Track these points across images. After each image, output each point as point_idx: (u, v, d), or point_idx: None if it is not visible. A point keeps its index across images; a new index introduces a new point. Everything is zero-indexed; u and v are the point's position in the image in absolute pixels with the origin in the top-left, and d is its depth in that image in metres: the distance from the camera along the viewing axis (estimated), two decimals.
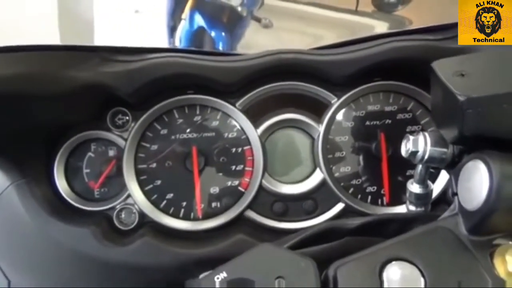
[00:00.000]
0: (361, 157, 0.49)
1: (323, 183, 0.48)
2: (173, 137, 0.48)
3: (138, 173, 0.47)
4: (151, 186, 0.47)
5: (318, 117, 0.48)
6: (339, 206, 0.48)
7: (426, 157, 0.32)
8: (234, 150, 0.48)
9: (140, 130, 0.47)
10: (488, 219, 0.26)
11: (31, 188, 0.44)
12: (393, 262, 0.26)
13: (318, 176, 0.48)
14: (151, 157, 0.47)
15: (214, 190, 0.48)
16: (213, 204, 0.48)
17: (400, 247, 0.27)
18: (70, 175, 0.47)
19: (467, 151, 0.31)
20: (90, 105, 0.44)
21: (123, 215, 0.46)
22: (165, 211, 0.47)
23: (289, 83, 0.48)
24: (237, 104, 0.47)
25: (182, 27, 2.12)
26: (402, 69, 0.45)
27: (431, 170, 0.36)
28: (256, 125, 0.47)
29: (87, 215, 0.46)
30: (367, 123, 0.48)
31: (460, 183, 0.29)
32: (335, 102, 0.47)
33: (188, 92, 0.47)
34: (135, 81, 0.42)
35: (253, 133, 0.47)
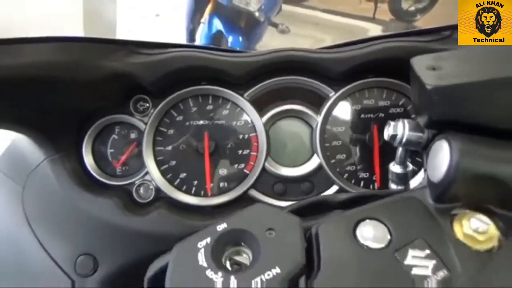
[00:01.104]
0: (355, 146, 0.55)
1: (319, 168, 0.54)
2: (187, 123, 0.54)
3: (155, 154, 0.54)
4: (166, 166, 0.54)
5: (317, 109, 0.54)
6: (334, 188, 0.54)
7: (404, 140, 0.38)
8: (241, 136, 0.54)
9: (159, 116, 0.53)
10: (449, 190, 0.31)
11: (63, 163, 0.51)
12: (366, 221, 0.32)
13: (315, 161, 0.54)
14: (167, 141, 0.54)
15: (223, 171, 0.54)
16: (221, 184, 0.54)
17: (374, 210, 0.33)
18: (96, 153, 0.54)
19: (438, 134, 0.36)
20: (116, 91, 0.51)
21: (141, 190, 0.53)
22: (178, 188, 0.53)
23: (292, 78, 0.54)
24: (245, 95, 0.54)
25: (201, 31, 2.20)
26: (394, 68, 0.51)
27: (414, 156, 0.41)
28: (261, 114, 0.54)
29: (110, 189, 0.52)
30: (362, 115, 0.54)
31: (428, 160, 0.35)
32: (333, 95, 0.54)
33: (202, 83, 0.53)
34: (156, 71, 0.49)
35: (259, 122, 0.54)
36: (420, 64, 0.35)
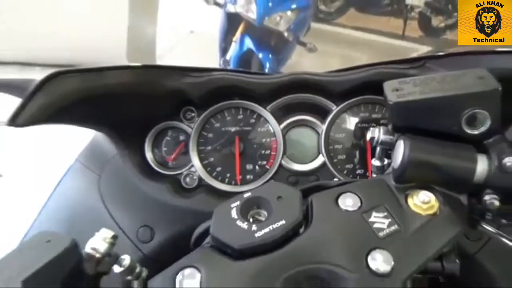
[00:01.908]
0: (353, 149, 0.71)
1: (324, 165, 0.70)
2: (223, 129, 0.72)
3: (199, 152, 0.71)
4: (206, 161, 0.71)
5: (323, 119, 0.70)
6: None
7: (379, 141, 0.54)
8: (264, 140, 0.71)
9: (202, 123, 0.71)
10: (403, 174, 0.47)
11: (130, 157, 0.69)
12: (346, 193, 0.47)
13: (320, 160, 0.70)
14: (208, 142, 0.72)
15: (249, 166, 0.71)
16: (247, 176, 0.71)
17: (351, 186, 0.49)
18: (154, 150, 0.72)
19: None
20: (171, 103, 0.69)
21: (187, 179, 0.71)
22: (215, 178, 0.71)
23: (304, 95, 0.70)
24: (267, 108, 0.71)
25: (233, 49, 2.37)
26: (382, 88, 0.67)
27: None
28: (279, 122, 0.70)
29: (164, 177, 0.70)
30: (358, 125, 0.70)
31: (393, 154, 0.50)
32: (335, 109, 0.70)
33: (234, 98, 0.71)
34: (201, 89, 0.67)
35: (277, 128, 0.71)
36: (388, 86, 0.50)
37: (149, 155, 0.71)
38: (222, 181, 0.71)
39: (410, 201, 0.43)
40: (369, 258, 0.38)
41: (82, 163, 0.74)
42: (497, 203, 0.43)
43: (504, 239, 0.48)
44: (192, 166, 0.70)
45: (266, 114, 0.71)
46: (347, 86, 0.67)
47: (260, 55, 2.29)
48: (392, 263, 0.37)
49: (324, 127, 0.70)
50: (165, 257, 0.46)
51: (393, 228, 0.40)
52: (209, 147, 0.71)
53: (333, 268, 0.37)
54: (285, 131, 0.71)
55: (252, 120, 0.72)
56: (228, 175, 0.71)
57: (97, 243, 0.37)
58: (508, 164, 0.42)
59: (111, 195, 0.70)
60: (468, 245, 0.63)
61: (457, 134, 0.44)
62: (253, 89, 0.68)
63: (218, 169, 0.71)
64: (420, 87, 0.50)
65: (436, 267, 0.46)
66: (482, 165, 0.43)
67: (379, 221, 0.41)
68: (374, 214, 0.42)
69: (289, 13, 2.22)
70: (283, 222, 0.40)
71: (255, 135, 0.71)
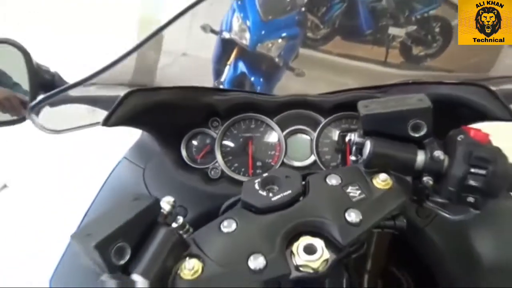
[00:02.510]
0: (336, 152, 0.96)
1: (314, 162, 0.94)
2: (240, 135, 0.96)
3: (221, 152, 0.95)
4: (227, 159, 0.95)
5: (315, 129, 0.95)
6: None
7: (354, 142, 0.77)
8: (270, 143, 0.96)
9: (224, 130, 0.95)
10: (369, 162, 0.68)
11: (169, 154, 0.93)
12: (331, 175, 0.70)
13: (312, 159, 0.94)
14: (228, 145, 0.96)
15: (259, 163, 0.95)
16: (257, 170, 0.95)
17: (335, 170, 0.70)
18: (188, 150, 0.96)
19: None
20: (202, 115, 0.94)
21: (212, 172, 0.94)
22: (233, 171, 0.94)
23: (301, 110, 0.95)
24: (274, 119, 0.95)
25: (227, 72, 2.59)
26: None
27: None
28: (282, 130, 0.95)
29: (195, 170, 0.94)
30: (341, 134, 0.95)
31: (363, 150, 0.73)
32: (323, 121, 0.94)
33: (249, 112, 0.95)
34: (225, 104, 0.92)
35: (281, 135, 0.95)
36: (361, 104, 0.72)
37: (183, 153, 0.95)
38: (238, 173, 0.95)
39: (374, 180, 0.64)
40: (346, 214, 0.60)
41: (129, 160, 0.98)
42: (431, 182, 0.66)
43: (442, 213, 0.74)
44: (216, 162, 0.95)
45: (273, 124, 0.95)
46: (332, 105, 0.93)
47: (252, 78, 2.47)
48: (361, 217, 0.61)
49: (315, 134, 0.95)
50: (196, 229, 0.62)
51: (362, 196, 0.62)
52: (229, 149, 0.96)
53: (322, 220, 0.61)
54: (286, 137, 0.96)
55: (262, 128, 0.96)
56: (243, 169, 0.95)
57: (164, 204, 0.58)
58: (436, 155, 0.66)
59: (154, 183, 0.93)
60: (418, 221, 0.84)
61: (406, 136, 0.65)
62: (263, 105, 0.93)
63: (236, 165, 0.95)
64: (382, 104, 0.75)
65: (390, 223, 0.70)
66: (420, 157, 0.66)
67: (353, 192, 0.63)
68: (350, 187, 0.63)
69: (280, 40, 2.43)
70: (289, 192, 0.61)
71: (264, 139, 0.96)
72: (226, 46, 2.42)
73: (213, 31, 2.22)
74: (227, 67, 2.48)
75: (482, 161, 0.61)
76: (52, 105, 0.78)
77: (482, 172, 0.61)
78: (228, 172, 0.93)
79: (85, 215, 0.90)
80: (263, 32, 2.39)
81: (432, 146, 0.64)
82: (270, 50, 2.44)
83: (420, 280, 0.95)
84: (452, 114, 0.74)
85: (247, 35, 2.40)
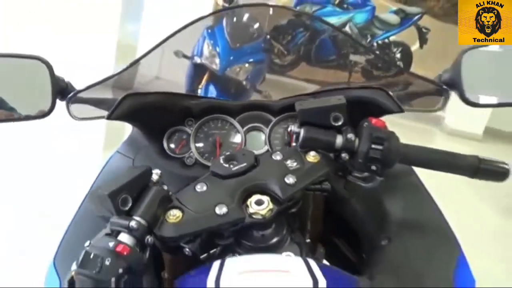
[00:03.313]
0: (283, 142, 1.24)
1: (268, 151, 1.24)
2: (209, 131, 1.23)
3: (195, 145, 1.23)
4: (199, 150, 1.23)
5: (267, 126, 1.23)
6: None
7: (294, 131, 1.02)
8: (233, 137, 1.23)
9: (197, 128, 1.21)
10: (303, 144, 0.98)
11: (154, 146, 1.20)
12: (276, 152, 0.98)
13: (265, 149, 1.21)
14: (200, 139, 1.23)
15: (226, 153, 1.24)
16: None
17: (279, 149, 1.03)
18: (169, 143, 1.23)
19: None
20: (180, 115, 1.23)
21: (188, 160, 1.20)
22: (204, 159, 1.20)
23: (257, 112, 1.23)
24: (236, 119, 1.23)
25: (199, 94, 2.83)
26: None
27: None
28: (243, 127, 1.22)
29: (175, 159, 1.21)
30: (287, 129, 1.25)
31: (299, 136, 1.04)
32: (273, 120, 1.24)
33: (216, 113, 1.24)
34: (198, 107, 1.22)
35: (241, 131, 1.22)
36: (297, 104, 1.01)
37: (165, 145, 1.21)
38: (208, 160, 1.22)
39: (306, 156, 0.88)
40: (285, 178, 0.84)
41: (120, 153, 1.26)
42: (347, 157, 0.89)
43: (359, 182, 1.05)
44: (191, 152, 1.20)
45: (235, 122, 1.23)
46: (280, 107, 1.22)
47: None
48: (295, 180, 0.85)
49: (267, 130, 1.24)
50: None
51: (297, 166, 0.87)
52: (201, 142, 1.24)
53: (268, 182, 0.90)
54: (246, 132, 1.22)
55: (227, 126, 1.23)
56: (212, 158, 1.22)
57: (154, 175, 0.84)
58: (349, 137, 0.93)
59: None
60: (345, 194, 1.05)
61: (328, 125, 0.87)
62: (228, 108, 1.22)
63: (206, 154, 1.21)
64: (312, 103, 1.06)
65: (318, 187, 0.91)
66: (339, 139, 0.88)
67: (291, 164, 0.90)
68: (289, 161, 0.91)
69: (247, 65, 2.71)
70: (245, 164, 0.85)
71: (228, 134, 1.25)
72: (198, 71, 2.67)
73: (185, 56, 2.40)
74: (198, 90, 2.74)
75: (379, 140, 0.88)
76: (74, 101, 1.08)
77: (380, 147, 0.86)
78: (200, 159, 1.21)
79: (80, 207, 1.08)
80: (231, 58, 2.68)
81: (347, 131, 0.89)
82: (238, 74, 2.71)
83: (356, 247, 1.18)
84: (362, 109, 1.04)
85: (217, 60, 2.70)
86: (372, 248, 0.98)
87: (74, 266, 0.67)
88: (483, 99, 0.98)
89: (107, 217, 0.74)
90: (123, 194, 0.73)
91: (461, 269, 0.89)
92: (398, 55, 5.99)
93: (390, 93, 1.06)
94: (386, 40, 5.98)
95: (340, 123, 0.90)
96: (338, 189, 1.07)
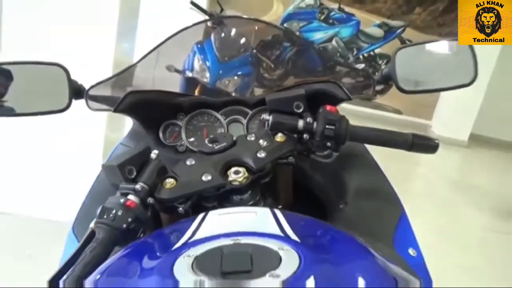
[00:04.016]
0: (261, 132, 1.54)
1: (246, 136, 1.51)
2: (198, 124, 1.49)
3: (186, 134, 1.50)
4: (189, 139, 1.50)
5: (245, 117, 1.48)
6: None
7: (265, 118, 1.34)
8: (217, 128, 1.51)
9: (187, 121, 1.48)
10: (272, 126, 1.19)
11: (151, 137, 1.47)
12: (251, 134, 1.28)
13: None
14: (190, 130, 1.50)
15: (211, 136, 1.49)
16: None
17: (252, 132, 1.31)
18: (164, 134, 1.50)
19: None
20: (172, 110, 1.50)
21: (180, 148, 1.47)
22: (194, 147, 1.49)
23: (237, 106, 1.50)
24: (219, 112, 1.49)
25: None
26: None
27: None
28: (225, 119, 1.48)
29: (169, 147, 1.46)
30: (262, 119, 1.53)
31: (269, 121, 1.32)
32: (250, 112, 1.49)
33: (202, 108, 1.53)
34: (187, 103, 1.49)
35: (224, 122, 1.48)
36: (268, 96, 1.33)
37: (161, 136, 1.47)
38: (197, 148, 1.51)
39: (275, 137, 1.06)
40: (257, 153, 1.07)
41: (123, 144, 1.53)
42: (308, 137, 1.11)
43: (320, 159, 1.33)
44: (182, 141, 1.48)
45: (219, 116, 1.48)
46: (256, 101, 1.48)
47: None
48: (265, 154, 1.06)
49: (245, 121, 1.50)
50: None
51: (267, 144, 1.14)
52: (191, 133, 1.52)
53: (243, 157, 1.17)
54: (228, 124, 1.47)
55: (212, 119, 1.49)
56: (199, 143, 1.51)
57: (153, 154, 1.09)
58: (308, 121, 1.17)
59: None
60: (309, 170, 1.27)
61: (292, 112, 1.04)
62: (213, 103, 1.49)
63: (195, 143, 1.50)
64: (274, 95, 1.33)
65: (284, 160, 1.08)
66: (300, 123, 1.04)
67: (262, 142, 1.14)
68: (261, 140, 1.17)
69: (235, 78, 2.96)
70: (225, 144, 1.06)
71: (214, 126, 1.51)
72: (189, 84, 2.89)
73: (177, 70, 2.52)
74: None
75: (332, 121, 1.11)
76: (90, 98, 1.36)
77: (332, 127, 1.05)
78: (190, 147, 1.46)
79: (88, 193, 1.25)
80: (220, 71, 2.92)
81: (307, 116, 1.06)
82: (227, 86, 2.96)
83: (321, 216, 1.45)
84: (321, 99, 1.31)
85: (207, 74, 2.93)
86: (333, 211, 1.17)
87: (92, 224, 0.88)
88: (413, 87, 1.27)
89: (116, 185, 0.93)
90: (129, 165, 0.94)
91: (402, 222, 1.14)
92: (383, 67, 6.33)
93: (340, 84, 1.34)
94: (372, 53, 6.33)
95: (301, 110, 1.10)
96: (304, 167, 1.29)
